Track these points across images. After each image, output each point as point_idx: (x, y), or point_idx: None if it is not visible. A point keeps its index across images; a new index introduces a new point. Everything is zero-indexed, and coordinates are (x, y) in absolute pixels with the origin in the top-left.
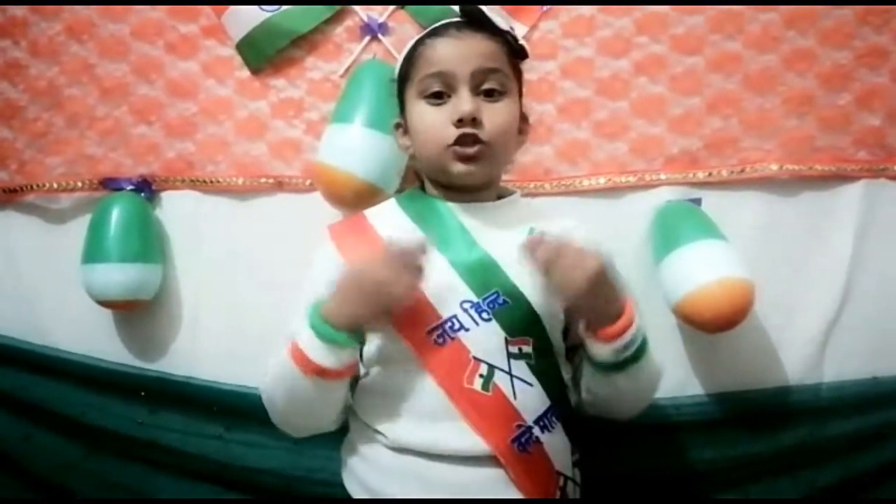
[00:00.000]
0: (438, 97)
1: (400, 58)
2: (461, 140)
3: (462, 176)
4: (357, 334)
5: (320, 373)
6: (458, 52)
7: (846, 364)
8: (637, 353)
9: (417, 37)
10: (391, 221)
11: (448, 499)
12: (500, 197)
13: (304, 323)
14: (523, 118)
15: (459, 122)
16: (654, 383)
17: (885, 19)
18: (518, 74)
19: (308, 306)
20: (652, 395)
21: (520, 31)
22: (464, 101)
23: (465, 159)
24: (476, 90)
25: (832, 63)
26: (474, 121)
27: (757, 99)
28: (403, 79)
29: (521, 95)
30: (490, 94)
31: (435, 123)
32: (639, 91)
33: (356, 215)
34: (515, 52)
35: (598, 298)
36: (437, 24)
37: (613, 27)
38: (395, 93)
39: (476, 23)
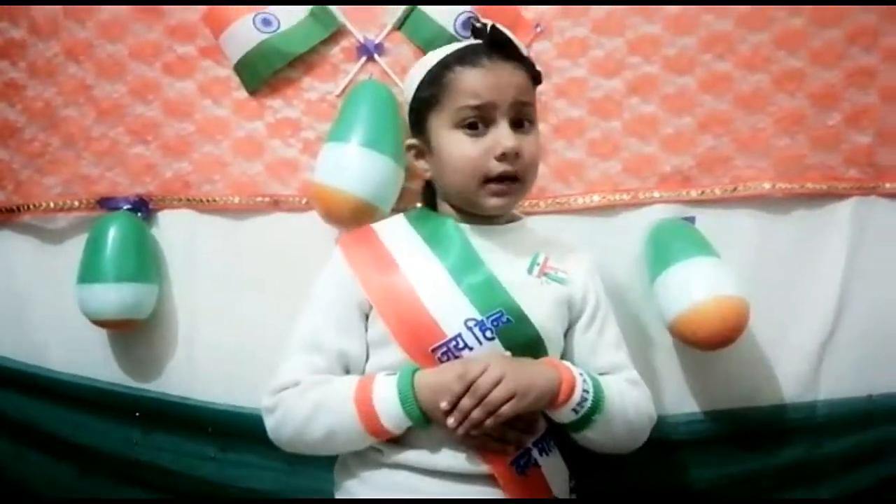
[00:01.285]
0: (474, 127)
1: (417, 78)
2: (501, 176)
3: (494, 209)
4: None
5: (381, 434)
6: (496, 84)
7: (841, 382)
8: (594, 405)
9: (440, 59)
10: (399, 236)
11: (448, 499)
12: (509, 221)
13: (391, 386)
14: None
15: (503, 157)
16: (633, 429)
17: (874, 39)
18: (534, 97)
19: (402, 370)
20: (639, 435)
21: None
22: (507, 137)
23: (500, 194)
24: (513, 123)
25: (822, 83)
26: (516, 155)
27: (748, 118)
28: (428, 103)
29: None
30: (521, 125)
31: (476, 156)
32: (631, 111)
33: (364, 228)
34: (535, 79)
35: (531, 379)
36: (457, 50)
37: (606, 48)
38: (410, 114)
39: (503, 50)
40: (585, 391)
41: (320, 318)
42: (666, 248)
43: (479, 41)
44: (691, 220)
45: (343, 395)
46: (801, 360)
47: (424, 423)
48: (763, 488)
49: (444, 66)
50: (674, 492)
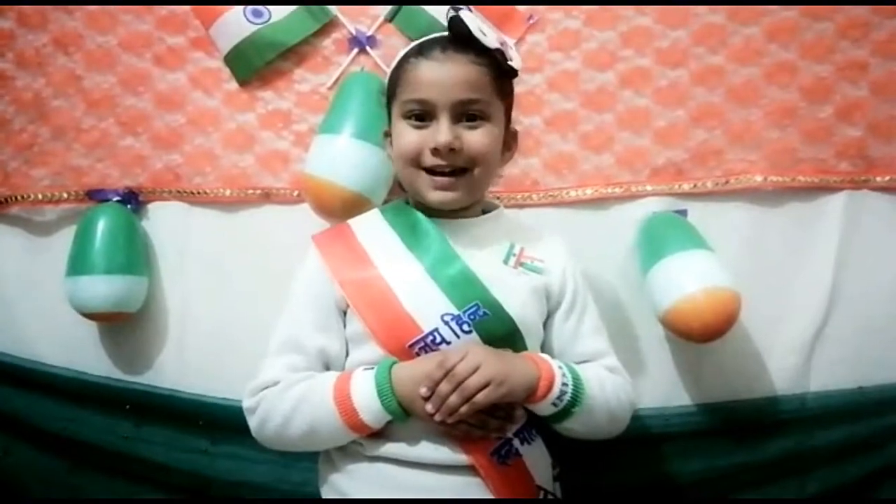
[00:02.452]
0: (420, 118)
1: (389, 69)
2: (437, 168)
3: (436, 203)
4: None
5: (361, 429)
6: (439, 81)
7: (832, 374)
8: (574, 398)
9: (405, 51)
10: (374, 232)
11: (436, 499)
12: (484, 211)
13: (370, 378)
14: (511, 133)
15: (435, 151)
16: (614, 418)
17: (864, 32)
18: (505, 93)
19: (380, 365)
20: (621, 423)
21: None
22: (441, 132)
23: (441, 187)
24: (457, 118)
25: (813, 76)
26: (452, 150)
27: (740, 111)
28: (391, 92)
29: (509, 110)
30: (472, 118)
31: (412, 146)
32: (624, 103)
33: (340, 225)
34: (502, 72)
35: (509, 369)
36: (424, 40)
37: (599, 40)
38: (385, 103)
39: (463, 42)
40: (565, 384)
41: (298, 317)
42: (658, 240)
43: (445, 34)
44: (683, 213)
45: (322, 392)
46: (793, 353)
47: (403, 416)
48: (753, 480)
49: (406, 56)
50: (664, 484)
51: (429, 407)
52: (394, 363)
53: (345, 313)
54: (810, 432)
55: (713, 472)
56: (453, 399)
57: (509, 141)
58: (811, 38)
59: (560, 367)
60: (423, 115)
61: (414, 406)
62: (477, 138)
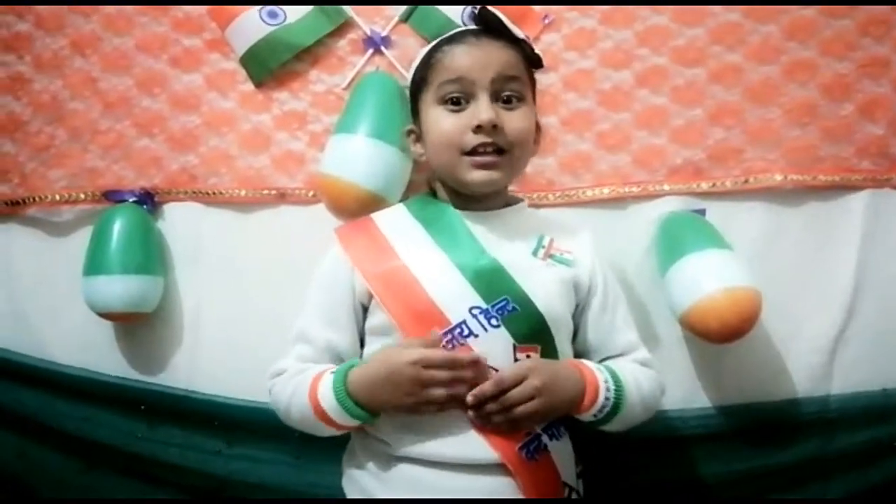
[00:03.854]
0: (457, 103)
1: (414, 64)
2: (479, 148)
3: (478, 184)
4: (377, 415)
5: (341, 428)
6: (477, 59)
7: (855, 375)
8: (614, 409)
9: (433, 43)
10: (398, 224)
11: (447, 499)
12: (507, 205)
13: (329, 384)
14: (536, 127)
15: (478, 129)
16: (647, 412)
17: (886, 30)
18: (533, 82)
19: (337, 370)
20: (652, 414)
21: None
22: (483, 109)
23: (483, 167)
24: (495, 97)
25: (833, 73)
26: (494, 128)
27: (759, 110)
28: (419, 85)
29: (534, 97)
30: (508, 101)
31: (453, 129)
32: (641, 102)
33: (363, 218)
34: (531, 61)
35: (559, 398)
36: (453, 32)
37: (615, 39)
38: (409, 100)
39: (494, 30)
40: (607, 398)
41: (310, 309)
42: (677, 239)
43: (474, 27)
44: (702, 212)
45: (304, 391)
46: (814, 354)
47: (370, 417)
48: (774, 484)
49: (435, 48)
50: (685, 487)
51: (470, 414)
52: (351, 367)
53: (365, 308)
54: (833, 435)
55: (732, 475)
56: (497, 418)
57: (536, 135)
58: (830, 35)
59: (605, 382)
60: (459, 98)
61: (383, 407)
62: (516, 119)
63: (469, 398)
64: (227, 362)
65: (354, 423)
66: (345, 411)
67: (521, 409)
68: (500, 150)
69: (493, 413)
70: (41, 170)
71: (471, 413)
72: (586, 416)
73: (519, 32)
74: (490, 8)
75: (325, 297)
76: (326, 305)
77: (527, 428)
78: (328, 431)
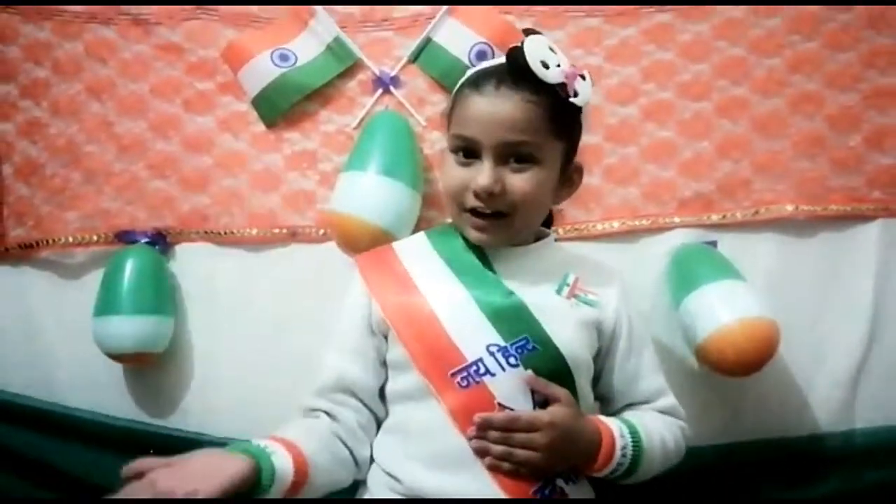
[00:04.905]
0: (466, 155)
1: (454, 92)
2: (476, 210)
3: (477, 241)
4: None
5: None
6: (486, 119)
7: (879, 409)
8: (631, 468)
9: (467, 75)
10: (419, 255)
11: (447, 499)
12: (536, 238)
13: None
14: (576, 168)
15: (476, 195)
16: (667, 465)
17: (891, 61)
18: (564, 131)
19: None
20: (673, 462)
21: None
22: (483, 175)
23: (479, 228)
24: (501, 159)
25: (839, 105)
26: (491, 195)
27: (766, 142)
28: (447, 119)
29: (572, 147)
30: (520, 161)
31: (457, 185)
32: (648, 136)
33: (384, 247)
34: (564, 108)
35: (564, 458)
36: (484, 69)
37: (620, 76)
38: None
39: (520, 75)
40: (623, 458)
41: (332, 338)
42: (690, 271)
43: (502, 62)
44: (713, 244)
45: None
46: (835, 387)
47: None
48: None
49: (464, 85)
50: None
51: (472, 444)
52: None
53: (386, 337)
54: (858, 472)
55: None
56: (496, 450)
57: (573, 176)
58: (835, 68)
59: (623, 448)
60: (467, 152)
61: None
62: (520, 183)
63: (476, 417)
64: (238, 404)
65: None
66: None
67: (521, 452)
68: (501, 212)
69: (495, 442)
70: (56, 212)
71: (472, 435)
72: (599, 475)
73: (553, 76)
74: (529, 44)
75: (342, 324)
76: (341, 333)
77: (526, 471)
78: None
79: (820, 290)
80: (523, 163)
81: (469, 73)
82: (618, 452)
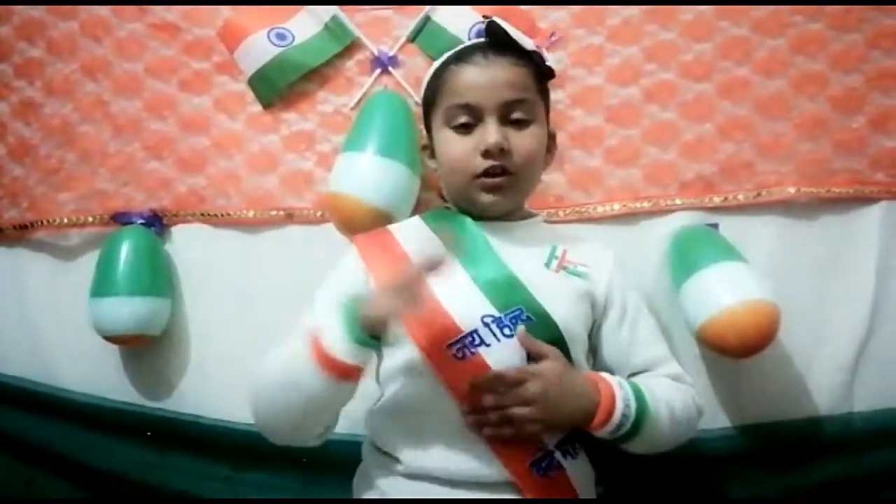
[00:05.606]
0: (465, 126)
1: (425, 80)
2: (488, 171)
3: (488, 206)
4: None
5: (339, 370)
6: (484, 83)
7: (880, 392)
8: (635, 426)
9: (442, 59)
10: (416, 237)
11: (449, 498)
12: (522, 217)
13: (336, 320)
14: (550, 136)
15: (486, 154)
16: (679, 433)
17: (895, 43)
18: (545, 94)
19: (339, 306)
20: (687, 434)
21: None
22: (491, 133)
23: (492, 189)
24: (504, 120)
25: (843, 87)
26: (502, 151)
27: (769, 123)
28: (429, 103)
29: (548, 113)
30: (517, 122)
31: (462, 153)
32: (650, 118)
33: (380, 229)
34: (543, 73)
35: (561, 409)
36: (461, 48)
37: (622, 56)
38: (422, 116)
39: (502, 46)
40: (625, 415)
41: (316, 308)
42: (691, 253)
43: (483, 40)
44: (715, 226)
45: (298, 351)
46: (836, 370)
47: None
48: None
49: (445, 64)
50: None
51: (469, 420)
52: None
53: None
54: (858, 455)
55: (755, 497)
56: (492, 415)
57: (549, 143)
58: (839, 48)
59: (624, 399)
60: (467, 121)
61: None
62: (525, 141)
63: (465, 384)
64: (234, 386)
65: (363, 353)
66: (353, 339)
67: (516, 410)
68: (509, 171)
69: (489, 408)
70: (50, 193)
71: (466, 410)
72: (602, 434)
73: (529, 44)
74: (498, 20)
75: (335, 297)
76: (330, 290)
77: (526, 435)
78: (321, 392)
79: (822, 273)
80: (522, 122)
81: (442, 58)
82: (618, 408)
